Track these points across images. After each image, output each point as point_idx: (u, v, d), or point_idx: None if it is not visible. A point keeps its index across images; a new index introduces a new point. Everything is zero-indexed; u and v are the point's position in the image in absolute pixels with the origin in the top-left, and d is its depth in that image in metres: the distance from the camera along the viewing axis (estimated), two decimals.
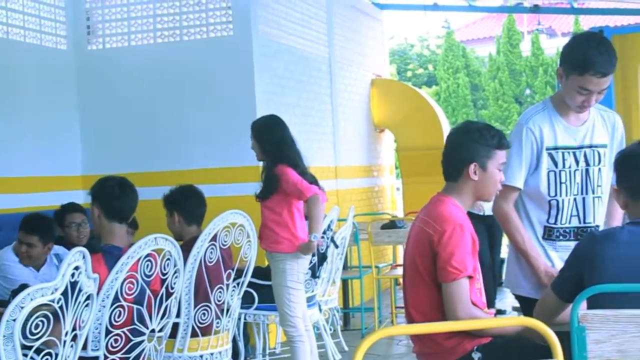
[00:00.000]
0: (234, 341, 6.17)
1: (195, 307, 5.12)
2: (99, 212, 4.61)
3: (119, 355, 4.37)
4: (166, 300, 4.66)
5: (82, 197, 7.36)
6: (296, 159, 6.08)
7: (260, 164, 6.27)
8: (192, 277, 5.05)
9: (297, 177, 5.94)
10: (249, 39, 8.12)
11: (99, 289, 4.12)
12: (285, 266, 6.02)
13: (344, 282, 9.07)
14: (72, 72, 8.61)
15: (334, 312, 7.75)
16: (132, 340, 4.43)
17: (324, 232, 6.61)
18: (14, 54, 7.96)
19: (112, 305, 4.24)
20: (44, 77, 8.28)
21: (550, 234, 4.18)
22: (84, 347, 4.16)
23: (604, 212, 4.23)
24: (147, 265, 4.40)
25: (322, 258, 6.82)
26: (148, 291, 4.47)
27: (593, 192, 4.17)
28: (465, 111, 24.34)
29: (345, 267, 8.60)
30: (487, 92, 24.75)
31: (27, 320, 3.64)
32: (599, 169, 4.17)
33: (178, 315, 4.97)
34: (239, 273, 5.51)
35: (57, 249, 6.11)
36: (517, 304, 4.41)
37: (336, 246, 7.14)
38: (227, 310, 5.42)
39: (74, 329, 3.96)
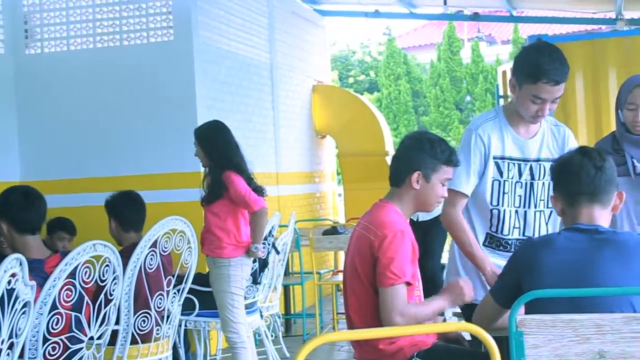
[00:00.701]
0: (175, 348, 6.12)
1: (135, 314, 5.07)
2: (7, 227, 4.41)
3: None
4: (105, 307, 4.61)
5: None
6: (242, 164, 6.10)
7: (203, 169, 6.26)
8: (131, 283, 5.00)
9: (245, 188, 5.96)
10: (190, 44, 8.08)
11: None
12: (229, 272, 6.00)
13: (286, 288, 9.06)
14: (10, 77, 8.46)
15: (275, 318, 7.73)
16: (70, 348, 4.37)
17: (265, 239, 6.60)
18: None
19: (49, 313, 4.18)
20: None
21: (491, 242, 4.20)
22: (21, 356, 4.09)
23: (553, 225, 4.24)
24: (86, 272, 4.34)
25: (264, 264, 6.80)
26: (87, 298, 4.42)
27: (535, 206, 4.18)
28: (406, 117, 24.49)
29: (286, 273, 8.59)
30: (428, 99, 24.93)
31: None
32: (543, 183, 4.17)
33: (117, 323, 4.92)
34: (180, 279, 5.47)
35: None
36: (457, 309, 4.44)
37: (277, 252, 7.13)
38: (168, 317, 5.38)
39: (10, 337, 3.89)
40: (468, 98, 24.60)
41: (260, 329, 7.02)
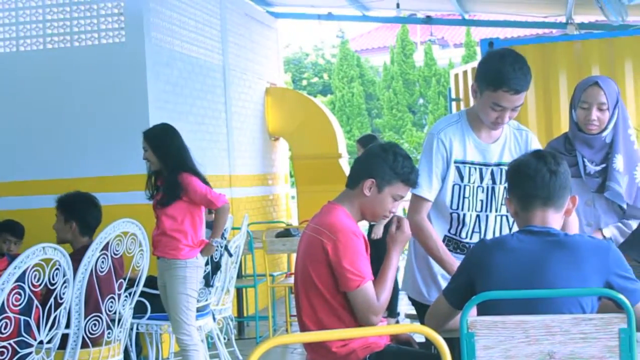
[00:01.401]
0: (126, 352, 6.08)
1: (85, 317, 5.01)
2: None
3: None
4: (55, 310, 4.56)
5: None
6: (195, 166, 6.10)
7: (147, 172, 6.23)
8: (82, 287, 4.94)
9: (204, 187, 6.00)
10: (142, 45, 8.03)
11: None
12: (185, 273, 5.99)
13: (238, 291, 9.04)
14: None
15: (228, 321, 7.71)
16: (19, 353, 4.33)
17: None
18: None
19: None
20: None
21: (449, 244, 4.18)
22: None
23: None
24: (35, 276, 4.29)
25: (216, 267, 6.79)
26: (36, 302, 4.37)
27: (496, 210, 4.18)
28: (359, 120, 24.56)
29: (239, 276, 8.57)
30: (381, 102, 25.03)
31: None
32: (505, 187, 4.14)
33: (67, 326, 4.87)
34: (131, 283, 5.43)
35: None
36: (411, 311, 4.45)
37: (230, 255, 7.11)
38: (119, 320, 5.33)
39: None
40: (421, 101, 24.72)
41: (213, 332, 6.99)
